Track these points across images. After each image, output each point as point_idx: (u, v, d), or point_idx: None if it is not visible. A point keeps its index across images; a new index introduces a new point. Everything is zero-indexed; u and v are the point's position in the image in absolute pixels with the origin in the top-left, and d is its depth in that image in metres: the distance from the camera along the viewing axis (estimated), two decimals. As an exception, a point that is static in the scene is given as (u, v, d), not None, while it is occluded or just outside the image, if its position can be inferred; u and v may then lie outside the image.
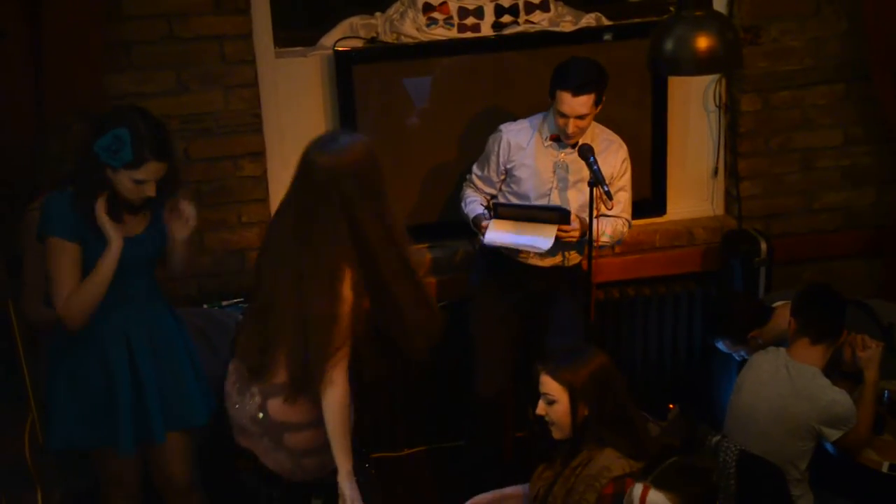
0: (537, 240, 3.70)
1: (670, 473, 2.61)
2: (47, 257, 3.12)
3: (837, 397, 3.44)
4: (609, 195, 3.60)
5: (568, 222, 3.73)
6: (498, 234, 3.74)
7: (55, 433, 3.26)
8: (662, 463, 2.63)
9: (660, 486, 2.58)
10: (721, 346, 3.95)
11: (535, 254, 3.80)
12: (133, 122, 3.07)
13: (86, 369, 3.22)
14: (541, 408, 3.00)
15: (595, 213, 3.64)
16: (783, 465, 3.44)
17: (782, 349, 3.56)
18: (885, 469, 3.60)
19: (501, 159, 3.86)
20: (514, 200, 3.87)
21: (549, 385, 2.98)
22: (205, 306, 3.94)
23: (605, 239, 3.76)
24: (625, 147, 3.85)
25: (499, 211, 3.78)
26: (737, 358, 3.96)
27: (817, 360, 3.51)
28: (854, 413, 3.45)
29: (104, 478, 3.44)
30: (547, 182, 3.81)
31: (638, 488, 2.61)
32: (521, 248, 3.73)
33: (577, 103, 3.63)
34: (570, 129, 3.68)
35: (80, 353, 3.22)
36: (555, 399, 2.97)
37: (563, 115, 3.67)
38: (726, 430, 3.56)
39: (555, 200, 3.81)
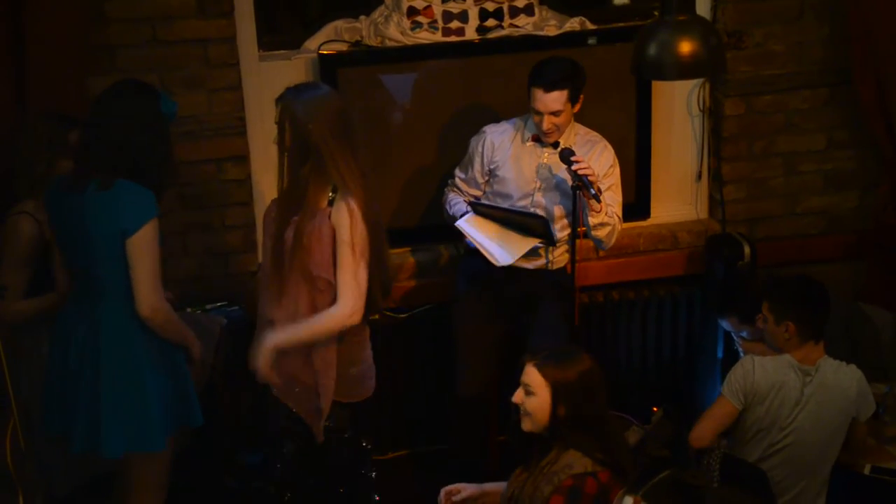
0: (500, 251, 3.70)
1: (661, 488, 2.59)
2: (149, 244, 3.09)
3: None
4: (597, 198, 3.60)
5: (549, 233, 3.73)
6: (471, 226, 3.75)
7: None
8: (654, 476, 2.62)
9: (650, 500, 2.57)
10: (725, 325, 3.95)
11: (502, 258, 3.75)
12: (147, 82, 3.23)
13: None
14: (518, 396, 3.01)
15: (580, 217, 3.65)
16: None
17: (787, 357, 3.54)
18: (867, 471, 3.62)
19: (485, 160, 3.86)
20: (499, 201, 3.87)
21: (533, 377, 2.98)
22: (188, 310, 3.92)
23: (599, 219, 3.70)
24: (610, 148, 3.85)
25: (477, 210, 3.79)
26: (735, 339, 3.96)
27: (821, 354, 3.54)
28: None
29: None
30: (530, 182, 3.82)
31: (628, 501, 2.60)
32: (482, 249, 3.72)
33: (550, 99, 3.64)
34: (545, 125, 3.69)
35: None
36: (534, 392, 2.98)
37: (538, 113, 3.68)
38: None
39: (539, 201, 3.81)
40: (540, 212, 3.82)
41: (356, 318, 3.19)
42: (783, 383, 3.45)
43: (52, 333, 3.29)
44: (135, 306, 3.12)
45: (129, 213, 3.09)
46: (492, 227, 3.77)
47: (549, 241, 3.78)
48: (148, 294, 3.11)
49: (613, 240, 3.80)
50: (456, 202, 3.92)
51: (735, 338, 3.99)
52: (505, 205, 3.85)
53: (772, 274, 4.07)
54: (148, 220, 3.09)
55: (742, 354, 3.93)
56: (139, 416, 3.18)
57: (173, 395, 3.25)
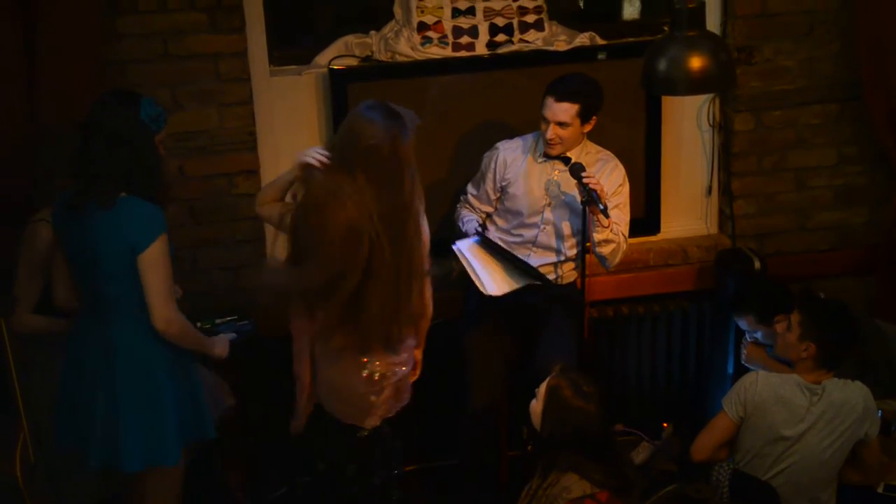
0: (489, 281, 3.68)
1: (666, 502, 2.59)
2: (160, 259, 3.09)
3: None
4: (605, 213, 3.61)
5: (545, 280, 3.75)
6: (470, 252, 3.74)
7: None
8: (659, 491, 2.62)
9: None
10: (742, 323, 3.94)
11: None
12: (136, 92, 3.23)
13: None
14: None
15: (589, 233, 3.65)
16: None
17: (795, 376, 3.52)
18: (880, 490, 3.61)
19: (497, 176, 3.87)
20: (509, 218, 3.88)
21: (543, 383, 3.07)
22: (198, 324, 3.93)
23: (604, 235, 3.71)
24: (621, 167, 3.86)
25: (484, 241, 3.78)
26: (748, 339, 3.95)
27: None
28: None
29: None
30: (540, 200, 3.82)
31: None
32: (472, 274, 3.70)
33: (559, 109, 3.65)
34: (549, 134, 3.70)
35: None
36: (536, 396, 3.07)
37: (545, 120, 3.70)
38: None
39: (548, 218, 3.82)
40: (549, 228, 3.83)
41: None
42: (789, 399, 3.45)
43: (66, 351, 3.28)
44: (150, 321, 3.12)
45: (137, 231, 3.08)
46: (490, 258, 3.76)
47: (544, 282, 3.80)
48: (162, 308, 3.12)
49: (618, 259, 3.80)
50: (469, 219, 3.92)
51: (743, 341, 3.98)
52: (515, 222, 3.86)
53: (812, 288, 4.05)
54: (158, 235, 3.09)
55: (743, 359, 3.93)
56: (157, 431, 3.19)
57: (188, 407, 3.26)
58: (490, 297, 3.87)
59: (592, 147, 3.86)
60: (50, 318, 3.38)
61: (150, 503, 3.38)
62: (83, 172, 3.13)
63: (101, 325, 3.19)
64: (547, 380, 3.08)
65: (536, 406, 3.06)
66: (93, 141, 3.10)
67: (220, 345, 3.44)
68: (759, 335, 3.89)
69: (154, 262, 3.09)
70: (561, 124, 3.68)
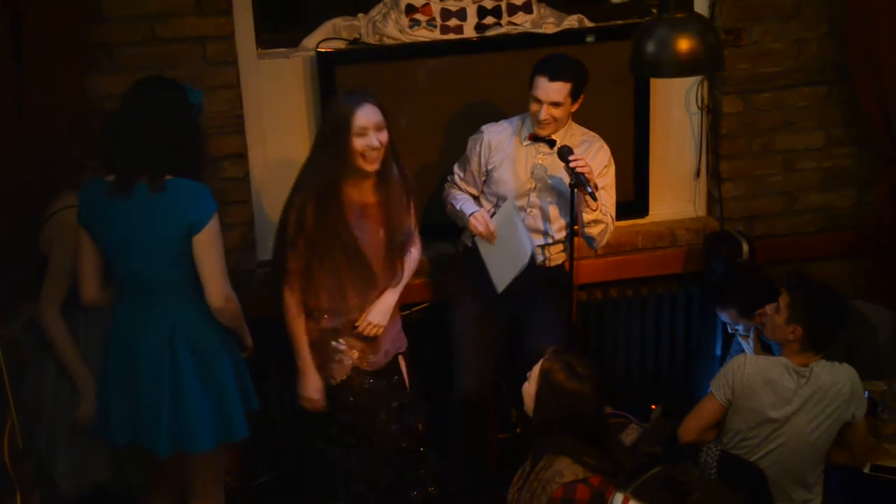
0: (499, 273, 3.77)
1: (651, 485, 2.61)
2: (216, 236, 3.11)
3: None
4: (593, 196, 3.61)
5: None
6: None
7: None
8: (645, 473, 2.63)
9: (640, 497, 2.59)
10: (724, 316, 3.95)
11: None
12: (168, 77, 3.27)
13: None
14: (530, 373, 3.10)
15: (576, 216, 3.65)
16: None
17: (783, 359, 3.54)
18: (867, 469, 3.63)
19: (482, 160, 3.86)
20: (496, 201, 3.87)
21: (536, 365, 3.05)
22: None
23: (593, 216, 3.71)
24: (606, 148, 3.86)
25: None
26: (730, 332, 3.97)
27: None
28: None
29: (144, 479, 3.46)
30: (526, 183, 3.82)
31: (618, 498, 2.62)
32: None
33: (553, 89, 3.65)
34: (543, 114, 3.69)
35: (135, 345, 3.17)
36: (529, 378, 3.06)
37: (538, 101, 3.69)
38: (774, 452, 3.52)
39: (534, 201, 3.82)
40: (536, 212, 3.83)
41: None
42: (776, 382, 3.46)
43: (109, 344, 3.22)
44: (206, 299, 3.11)
45: (195, 210, 3.08)
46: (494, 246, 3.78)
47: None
48: (220, 286, 3.12)
49: (605, 239, 3.81)
50: (463, 198, 3.91)
51: (730, 330, 3.99)
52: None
53: (801, 270, 4.05)
54: (213, 212, 3.10)
55: (741, 344, 3.94)
56: (224, 407, 3.19)
57: (242, 381, 3.28)
58: (477, 279, 3.88)
59: (577, 129, 3.86)
60: (70, 337, 3.34)
61: (201, 482, 3.36)
62: (126, 157, 3.08)
63: (155, 311, 3.14)
64: (540, 362, 3.06)
65: (529, 388, 3.05)
66: (144, 125, 3.07)
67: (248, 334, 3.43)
68: (740, 328, 3.90)
69: (211, 240, 3.09)
70: (555, 104, 3.68)
